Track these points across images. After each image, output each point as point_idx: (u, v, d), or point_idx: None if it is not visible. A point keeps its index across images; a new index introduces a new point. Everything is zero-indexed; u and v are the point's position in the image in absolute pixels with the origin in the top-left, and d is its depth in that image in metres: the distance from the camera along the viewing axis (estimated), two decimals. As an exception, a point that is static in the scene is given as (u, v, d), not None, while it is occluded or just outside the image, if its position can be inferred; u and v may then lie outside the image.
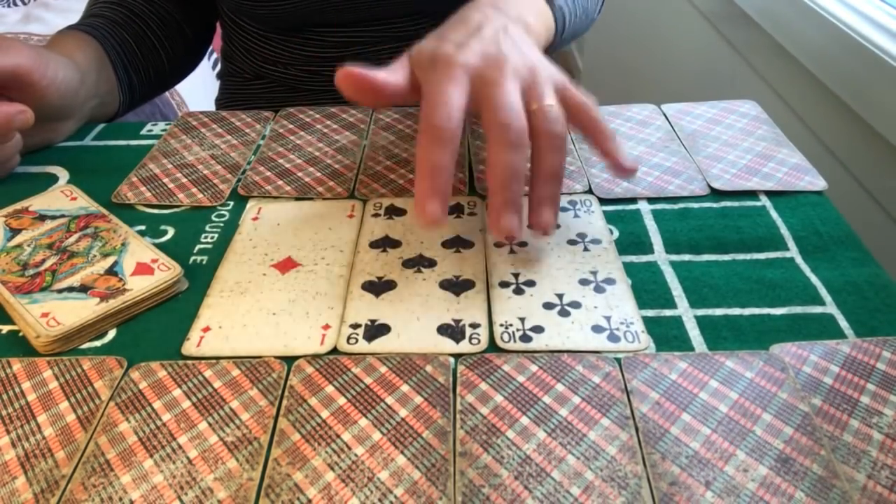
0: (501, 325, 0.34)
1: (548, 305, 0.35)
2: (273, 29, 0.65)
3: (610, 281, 0.37)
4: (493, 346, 0.33)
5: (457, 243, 0.40)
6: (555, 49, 0.55)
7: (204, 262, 0.40)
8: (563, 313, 0.35)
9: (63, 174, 0.49)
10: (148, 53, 0.63)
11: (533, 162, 0.37)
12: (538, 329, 0.34)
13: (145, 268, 0.38)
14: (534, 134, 0.37)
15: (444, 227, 0.37)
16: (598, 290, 0.36)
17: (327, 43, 0.64)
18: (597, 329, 0.34)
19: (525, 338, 0.34)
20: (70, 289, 0.36)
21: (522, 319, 0.35)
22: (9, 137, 0.46)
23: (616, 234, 0.41)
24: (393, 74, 0.39)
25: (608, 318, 0.35)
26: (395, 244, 0.40)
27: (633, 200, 0.44)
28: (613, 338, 0.33)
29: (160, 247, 0.41)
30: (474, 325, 0.34)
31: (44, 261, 0.39)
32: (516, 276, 0.38)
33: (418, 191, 0.35)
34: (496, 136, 0.36)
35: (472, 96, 0.37)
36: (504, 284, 0.37)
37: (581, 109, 0.39)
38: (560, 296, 0.36)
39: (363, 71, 0.38)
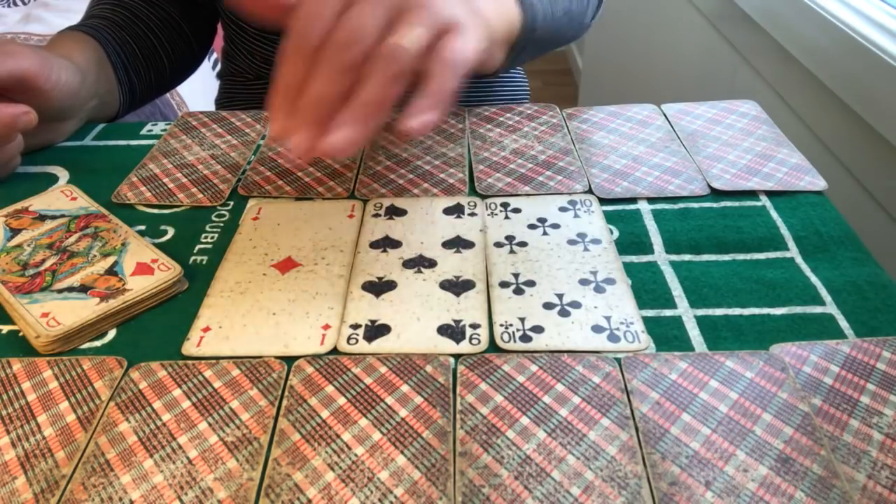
0: (501, 326, 0.34)
1: (548, 305, 0.35)
2: (273, 30, 0.65)
3: (610, 281, 0.37)
4: (493, 347, 0.33)
5: (457, 243, 0.40)
6: (526, 48, 0.53)
7: (204, 262, 0.40)
8: (563, 313, 0.35)
9: (63, 174, 0.49)
10: (148, 55, 0.63)
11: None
12: (538, 329, 0.34)
13: (145, 268, 0.38)
14: (368, 60, 0.34)
15: (297, 153, 0.34)
16: (598, 290, 0.36)
17: None
18: (597, 329, 0.34)
19: (525, 338, 0.34)
20: (70, 289, 0.36)
21: (522, 319, 0.35)
22: (12, 138, 0.46)
23: (616, 234, 0.41)
24: None
25: (608, 318, 0.35)
26: (396, 244, 0.40)
27: (633, 200, 0.44)
28: (613, 338, 0.33)
29: (160, 247, 0.41)
30: (474, 326, 0.34)
31: (44, 261, 0.39)
32: (516, 276, 0.38)
33: (271, 109, 0.34)
34: (325, 55, 0.33)
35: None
36: (504, 284, 0.37)
37: (437, 58, 0.35)
38: (560, 296, 0.36)
39: None
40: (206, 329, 0.35)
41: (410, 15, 0.35)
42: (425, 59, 0.35)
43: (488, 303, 0.36)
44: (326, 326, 0.35)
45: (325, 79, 0.34)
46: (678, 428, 0.29)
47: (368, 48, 0.34)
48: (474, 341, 0.33)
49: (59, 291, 0.36)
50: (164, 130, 0.54)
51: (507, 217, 0.42)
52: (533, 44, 0.54)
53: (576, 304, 0.35)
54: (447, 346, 0.33)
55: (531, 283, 0.37)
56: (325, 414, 0.30)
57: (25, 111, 0.45)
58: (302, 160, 0.33)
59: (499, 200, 0.44)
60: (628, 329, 0.34)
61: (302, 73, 0.34)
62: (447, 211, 0.43)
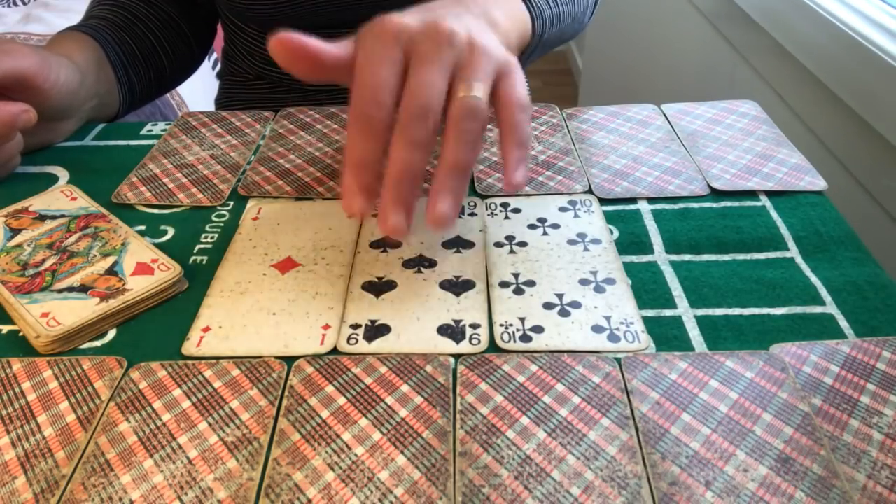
0: (501, 326, 0.34)
1: (548, 305, 0.35)
2: (270, 30, 0.65)
3: (610, 281, 0.37)
4: (493, 347, 0.33)
5: (457, 243, 0.40)
6: (534, 52, 0.54)
7: (204, 262, 0.40)
8: (563, 313, 0.35)
9: (63, 174, 0.49)
10: (148, 55, 0.63)
11: (441, 151, 0.35)
12: (538, 329, 0.34)
13: (145, 268, 0.38)
14: (449, 122, 0.35)
15: (365, 217, 0.35)
16: (598, 290, 0.36)
17: None
18: (597, 329, 0.34)
19: (525, 338, 0.34)
20: (70, 289, 0.36)
21: (522, 319, 0.35)
22: (11, 137, 0.46)
23: (616, 234, 0.41)
24: (335, 46, 0.37)
25: (608, 318, 0.35)
26: (396, 244, 0.40)
27: (633, 200, 0.44)
28: (613, 338, 0.33)
29: (160, 247, 0.41)
30: (474, 326, 0.34)
31: (44, 261, 0.39)
32: (516, 276, 0.38)
33: (343, 185, 0.34)
34: (401, 129, 0.34)
35: (404, 68, 0.35)
36: (504, 284, 0.37)
37: (509, 104, 0.36)
38: (560, 296, 0.36)
39: (300, 37, 0.36)
40: (206, 329, 0.35)
41: (468, 69, 0.35)
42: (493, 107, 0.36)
43: (488, 303, 0.36)
44: (326, 326, 0.35)
45: (408, 153, 0.34)
46: (678, 428, 0.29)
47: (440, 111, 0.34)
48: (474, 341, 0.33)
49: (59, 291, 0.36)
50: (164, 130, 0.54)
51: (507, 217, 0.42)
52: (540, 47, 0.54)
53: (576, 304, 0.35)
54: (447, 346, 0.33)
55: (531, 283, 0.37)
56: (325, 414, 0.30)
57: (25, 109, 0.45)
58: (400, 237, 0.35)
59: (499, 200, 0.44)
60: (628, 329, 0.34)
61: (375, 147, 0.34)
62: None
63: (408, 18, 0.36)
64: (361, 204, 0.34)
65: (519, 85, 0.37)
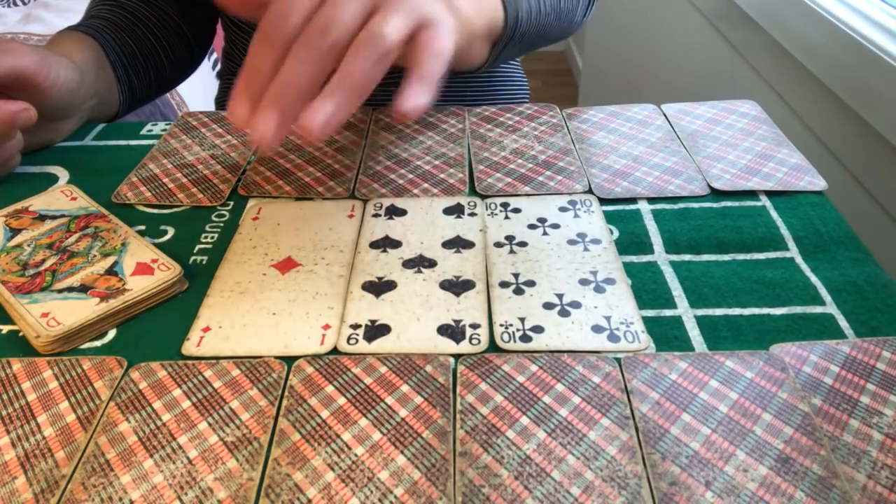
0: (501, 326, 0.34)
1: (548, 305, 0.35)
2: None
3: (610, 281, 0.37)
4: (493, 347, 0.33)
5: (457, 243, 0.40)
6: (513, 45, 0.53)
7: (204, 262, 0.40)
8: (563, 313, 0.35)
9: (63, 174, 0.49)
10: (148, 55, 0.63)
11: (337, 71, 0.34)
12: (538, 329, 0.34)
13: (145, 268, 0.38)
14: (350, 48, 0.34)
15: (248, 125, 0.34)
16: (598, 290, 0.36)
17: None
18: (597, 329, 0.34)
19: (525, 338, 0.34)
20: (70, 289, 0.36)
21: (522, 319, 0.35)
22: (11, 135, 0.46)
23: (616, 234, 0.41)
24: None
25: (608, 318, 0.35)
26: (396, 244, 0.40)
27: (633, 200, 0.44)
28: (613, 338, 0.33)
29: (160, 247, 0.41)
30: (474, 326, 0.34)
31: (44, 261, 0.39)
32: (516, 276, 0.38)
33: (233, 92, 0.33)
34: (300, 42, 0.33)
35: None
36: (504, 284, 0.37)
37: (423, 48, 0.35)
38: (560, 296, 0.36)
39: None
40: (206, 329, 0.35)
41: (387, 6, 0.34)
42: (407, 49, 0.35)
43: (488, 303, 0.36)
44: (326, 326, 0.35)
45: (300, 63, 0.33)
46: (678, 428, 0.29)
47: (345, 36, 0.33)
48: (474, 341, 0.33)
49: (59, 291, 0.36)
50: (164, 130, 0.54)
51: (507, 217, 0.42)
52: (518, 41, 0.54)
53: (576, 304, 0.35)
54: (447, 346, 0.33)
55: (531, 283, 0.37)
56: (325, 414, 0.30)
57: (25, 108, 0.45)
58: (265, 147, 0.33)
59: (499, 200, 0.44)
60: (628, 329, 0.34)
61: (272, 59, 0.33)
62: (447, 211, 0.43)
63: None
64: (242, 109, 0.33)
65: (440, 35, 0.36)
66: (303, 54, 0.33)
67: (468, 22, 0.45)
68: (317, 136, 0.32)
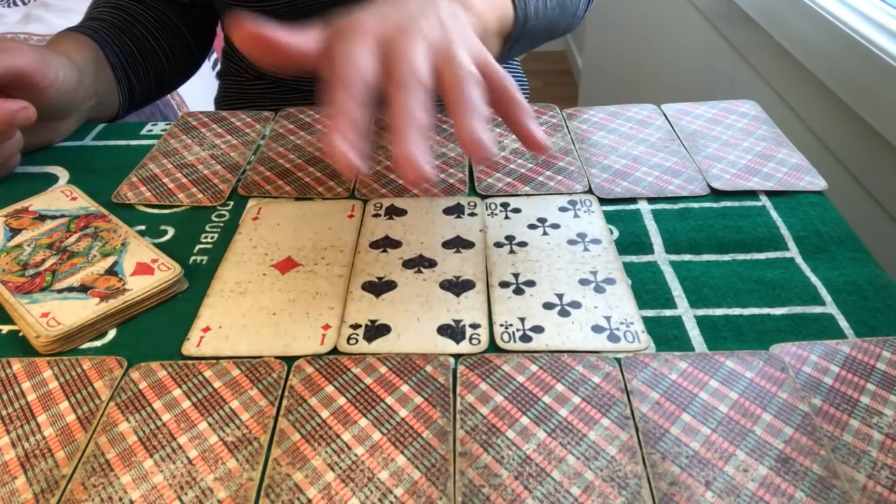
0: (501, 326, 0.34)
1: (548, 305, 0.35)
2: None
3: (610, 281, 0.37)
4: (493, 347, 0.33)
5: (457, 243, 0.40)
6: (520, 41, 0.54)
7: (204, 262, 0.40)
8: (563, 313, 0.35)
9: (63, 174, 0.49)
10: (147, 57, 0.63)
11: (449, 107, 0.34)
12: (538, 329, 0.34)
13: (145, 268, 0.38)
14: (444, 88, 0.34)
15: (349, 164, 0.32)
16: (598, 290, 0.36)
17: None
18: (597, 329, 0.34)
19: (525, 338, 0.34)
20: (70, 289, 0.36)
21: (522, 319, 0.35)
22: (11, 135, 0.46)
23: (616, 234, 0.41)
24: (302, 37, 0.36)
25: (608, 319, 0.35)
26: (396, 244, 0.40)
27: (633, 200, 0.44)
28: (613, 338, 0.33)
29: (160, 247, 0.41)
30: (474, 326, 0.34)
31: (44, 261, 0.39)
32: (516, 276, 0.38)
33: (327, 129, 0.32)
34: (394, 89, 0.33)
35: (381, 66, 0.34)
36: (504, 284, 0.37)
37: (496, 81, 0.36)
38: (560, 296, 0.36)
39: (264, 26, 0.35)
40: (206, 329, 0.35)
41: (448, 51, 0.35)
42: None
43: (488, 303, 0.36)
44: (326, 326, 0.35)
45: (412, 106, 0.33)
46: (678, 428, 0.29)
47: (430, 76, 0.34)
48: (474, 341, 0.33)
49: (59, 291, 0.36)
50: (164, 130, 0.54)
51: (507, 217, 0.42)
52: (526, 36, 0.54)
53: (576, 304, 0.35)
54: (447, 346, 0.33)
55: (531, 284, 0.37)
56: (325, 414, 0.30)
57: (24, 106, 0.44)
58: (419, 184, 0.32)
59: (499, 200, 0.44)
60: (628, 329, 0.34)
61: (359, 107, 0.33)
62: (447, 211, 0.43)
63: (379, 18, 0.36)
64: (342, 144, 0.31)
65: (499, 67, 0.37)
66: (407, 97, 0.33)
67: (482, 18, 0.45)
68: (483, 153, 0.32)
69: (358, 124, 0.32)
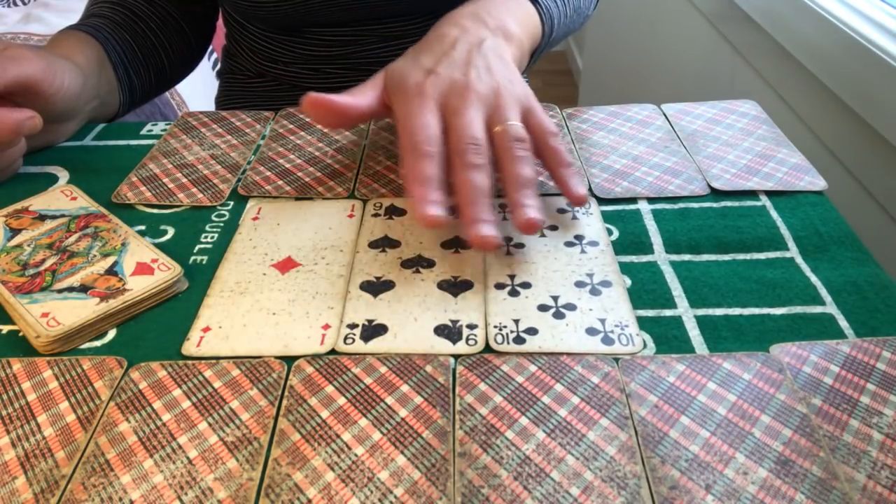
0: (495, 327, 0.34)
1: (543, 307, 0.35)
2: (275, 29, 0.65)
3: (606, 283, 0.37)
4: (490, 347, 0.33)
5: (456, 244, 0.40)
6: (545, 49, 0.55)
7: (204, 262, 0.40)
8: (558, 315, 0.35)
9: (63, 174, 0.49)
10: (148, 54, 0.63)
11: (503, 177, 0.39)
12: (532, 331, 0.34)
13: (145, 268, 0.38)
14: (498, 153, 0.39)
15: (444, 226, 0.38)
16: (594, 292, 0.36)
17: (328, 42, 0.64)
18: (591, 332, 0.34)
19: (519, 339, 0.34)
20: (70, 289, 0.36)
21: (517, 321, 0.35)
22: (16, 142, 0.46)
23: (616, 234, 0.41)
24: (360, 97, 0.43)
25: (603, 321, 0.35)
26: (395, 244, 0.40)
27: (633, 200, 0.44)
28: (608, 340, 0.33)
29: (160, 247, 0.41)
30: (471, 326, 0.34)
31: (44, 261, 0.39)
32: (512, 277, 0.38)
33: (416, 199, 0.37)
34: (459, 160, 0.38)
35: (445, 128, 0.40)
36: (500, 286, 0.37)
37: (541, 132, 0.41)
38: (555, 298, 0.36)
39: (327, 97, 0.41)
40: (206, 329, 0.35)
41: (499, 110, 0.41)
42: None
43: (485, 303, 0.36)
44: (326, 326, 0.35)
45: (474, 174, 0.38)
46: (677, 431, 0.29)
47: (487, 144, 0.39)
48: (471, 342, 0.33)
49: (59, 291, 0.36)
50: (164, 130, 0.54)
51: (504, 218, 0.42)
52: (550, 45, 0.55)
53: (571, 307, 0.35)
54: (444, 346, 0.33)
55: (527, 285, 0.37)
56: (325, 414, 0.30)
57: (30, 116, 0.45)
58: (490, 248, 0.37)
59: (498, 202, 0.44)
60: (623, 332, 0.34)
61: (436, 167, 0.38)
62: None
63: (437, 79, 0.41)
64: (436, 210, 0.36)
65: (543, 116, 0.42)
66: (474, 171, 0.38)
67: (522, 44, 0.49)
68: (536, 230, 0.38)
69: (438, 185, 0.38)
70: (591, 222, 0.42)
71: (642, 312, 0.35)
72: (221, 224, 0.43)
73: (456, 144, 0.39)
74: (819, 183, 0.44)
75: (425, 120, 0.39)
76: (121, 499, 0.27)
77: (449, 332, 0.34)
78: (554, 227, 0.41)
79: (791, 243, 0.40)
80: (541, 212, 0.38)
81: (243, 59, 0.70)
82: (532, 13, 0.51)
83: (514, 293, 0.36)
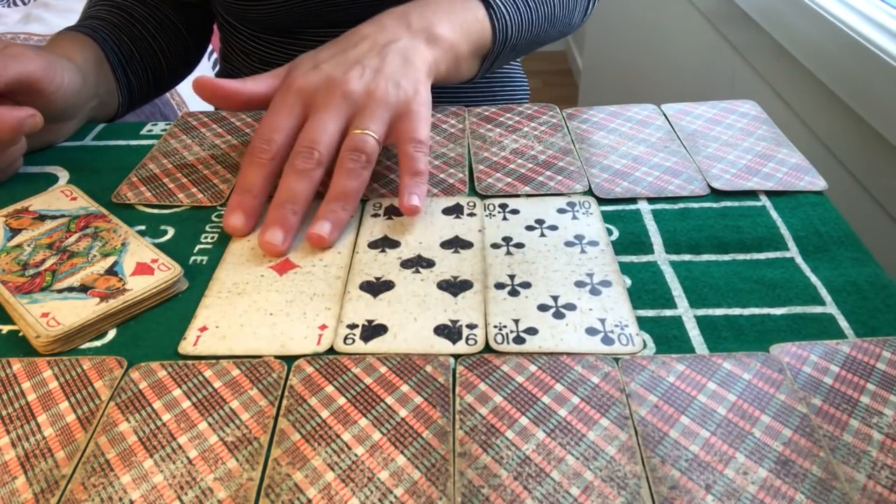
0: (495, 327, 0.34)
1: (542, 307, 0.35)
2: (267, 31, 0.65)
3: (606, 283, 0.37)
4: (490, 347, 0.33)
5: (455, 244, 0.40)
6: (504, 55, 0.55)
7: (204, 263, 0.40)
8: (558, 315, 0.35)
9: (63, 174, 0.49)
10: (146, 56, 0.63)
11: (331, 182, 0.41)
12: (532, 331, 0.34)
13: (145, 268, 0.38)
14: (339, 157, 0.41)
15: (244, 234, 0.41)
16: (594, 292, 0.36)
17: (320, 44, 0.64)
18: (591, 332, 0.34)
19: (518, 339, 0.34)
20: (70, 289, 0.36)
21: (516, 321, 0.35)
22: (17, 141, 0.46)
23: (616, 234, 0.41)
24: (255, 83, 0.45)
25: (603, 321, 0.35)
26: (394, 244, 0.40)
27: (633, 200, 0.44)
28: (608, 340, 0.33)
29: (160, 247, 0.41)
30: (471, 326, 0.34)
31: (44, 261, 0.39)
32: (512, 277, 0.38)
33: (229, 205, 0.41)
34: (289, 162, 0.40)
35: (304, 119, 0.42)
36: (499, 286, 0.37)
37: (403, 138, 0.42)
38: (555, 298, 0.36)
39: (215, 80, 0.44)
40: (203, 328, 0.35)
41: (362, 114, 0.41)
42: (391, 142, 0.43)
43: (485, 303, 0.36)
44: (323, 326, 0.35)
45: (294, 182, 0.40)
46: (677, 431, 0.29)
47: (329, 151, 0.40)
48: (471, 342, 0.33)
49: (59, 291, 0.36)
50: (164, 130, 0.54)
51: (504, 218, 0.42)
52: (510, 51, 0.55)
53: (571, 307, 0.35)
54: (443, 346, 0.33)
55: (527, 285, 0.37)
56: (325, 414, 0.30)
57: (31, 114, 0.45)
58: (271, 254, 0.39)
59: (497, 201, 0.44)
60: (622, 332, 0.34)
61: (262, 177, 0.41)
62: (446, 211, 0.43)
63: (315, 74, 0.43)
64: (237, 221, 0.40)
65: (416, 123, 0.42)
66: (294, 176, 0.40)
67: (453, 47, 0.48)
68: (328, 244, 0.40)
69: (258, 193, 0.41)
70: (591, 222, 0.42)
71: (642, 312, 0.35)
72: (221, 224, 0.43)
73: (295, 145, 0.41)
74: (819, 183, 0.44)
75: (275, 121, 0.41)
76: (121, 499, 0.27)
77: (449, 332, 0.34)
78: (554, 227, 0.41)
79: (791, 243, 0.40)
80: (334, 231, 0.39)
81: (238, 62, 0.70)
82: (480, 17, 0.51)
83: (513, 293, 0.36)
